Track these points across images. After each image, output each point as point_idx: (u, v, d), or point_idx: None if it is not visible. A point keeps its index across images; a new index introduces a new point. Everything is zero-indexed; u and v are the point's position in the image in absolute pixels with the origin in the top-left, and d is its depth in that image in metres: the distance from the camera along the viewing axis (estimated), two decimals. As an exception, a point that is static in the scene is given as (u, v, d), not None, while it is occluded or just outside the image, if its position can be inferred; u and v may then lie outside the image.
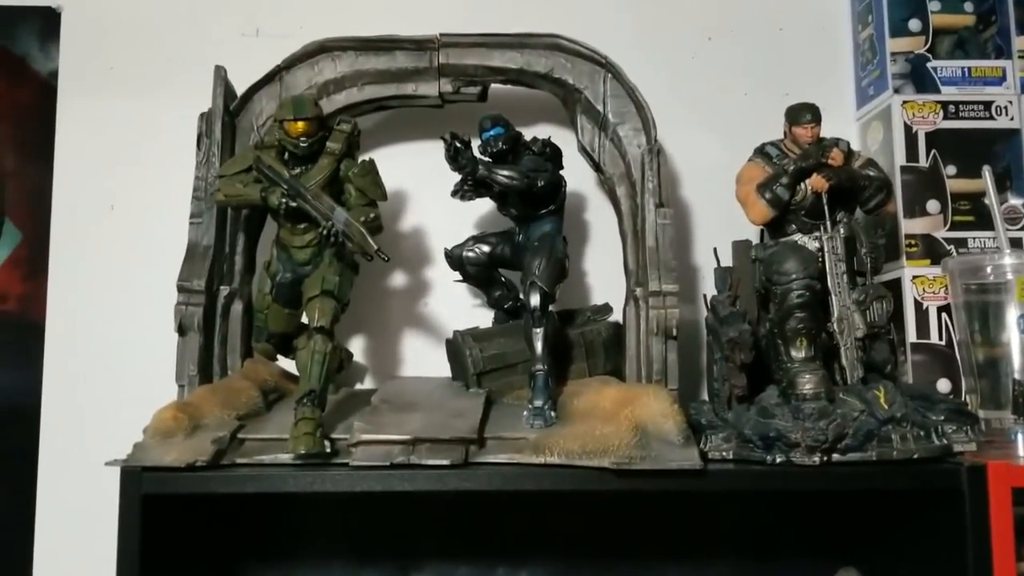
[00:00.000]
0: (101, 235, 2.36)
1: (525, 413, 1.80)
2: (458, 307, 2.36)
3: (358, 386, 2.30)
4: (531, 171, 2.03)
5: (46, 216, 2.36)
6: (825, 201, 1.88)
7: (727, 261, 1.98)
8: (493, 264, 2.21)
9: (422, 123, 2.30)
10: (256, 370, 2.03)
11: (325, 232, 1.85)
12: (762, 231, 2.07)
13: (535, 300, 1.97)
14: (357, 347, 2.35)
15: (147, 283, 2.25)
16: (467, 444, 1.67)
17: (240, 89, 2.12)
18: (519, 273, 2.05)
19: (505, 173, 2.00)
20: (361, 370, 2.43)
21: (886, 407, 1.69)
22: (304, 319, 1.90)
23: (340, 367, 1.97)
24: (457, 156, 1.96)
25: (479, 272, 2.21)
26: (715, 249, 2.03)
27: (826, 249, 1.86)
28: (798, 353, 1.78)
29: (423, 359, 2.31)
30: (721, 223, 2.19)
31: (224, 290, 2.04)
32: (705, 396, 2.13)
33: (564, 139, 2.15)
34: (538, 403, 1.81)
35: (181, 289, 1.96)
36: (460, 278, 2.25)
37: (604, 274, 2.40)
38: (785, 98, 2.07)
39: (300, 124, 1.86)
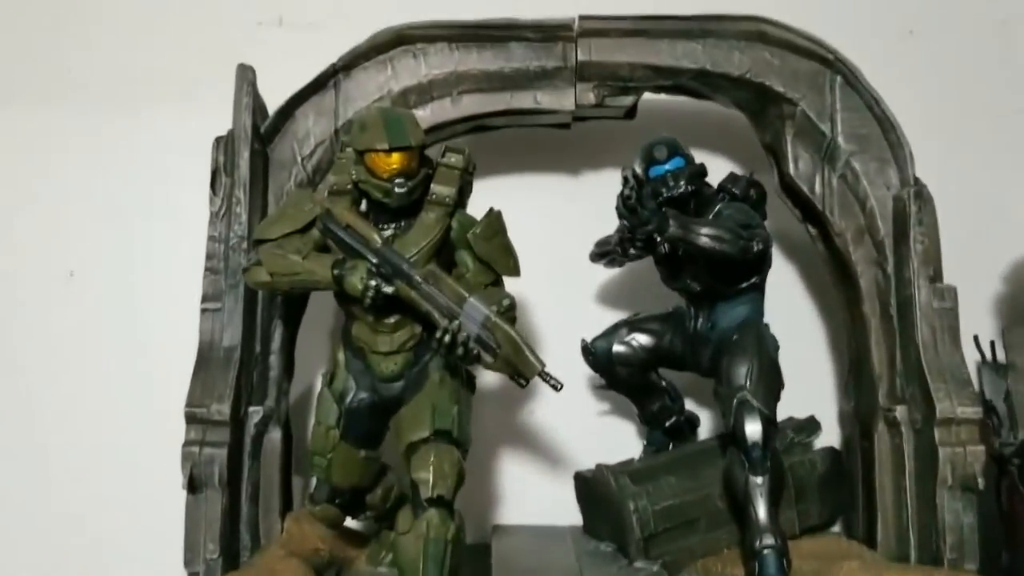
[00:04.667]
0: (55, 316, 1.89)
1: (757, 626, 1.34)
2: (577, 416, 1.87)
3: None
4: (743, 227, 1.48)
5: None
6: None
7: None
8: (655, 362, 1.69)
9: (520, 148, 1.88)
10: (302, 537, 1.55)
11: (448, 339, 1.23)
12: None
13: (753, 431, 1.45)
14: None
15: (124, 397, 1.82)
16: None
17: (268, 101, 1.66)
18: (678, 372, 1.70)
19: (708, 232, 1.45)
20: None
21: None
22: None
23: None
24: (640, 205, 1.41)
25: (633, 375, 1.69)
26: (976, 338, 1.65)
27: None
28: None
29: (529, 494, 1.85)
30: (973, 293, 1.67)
31: (255, 412, 1.55)
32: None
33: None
34: (779, 611, 1.35)
35: (192, 419, 1.45)
36: (604, 383, 1.73)
37: (794, 366, 1.77)
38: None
39: (396, 157, 1.32)
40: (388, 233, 1.33)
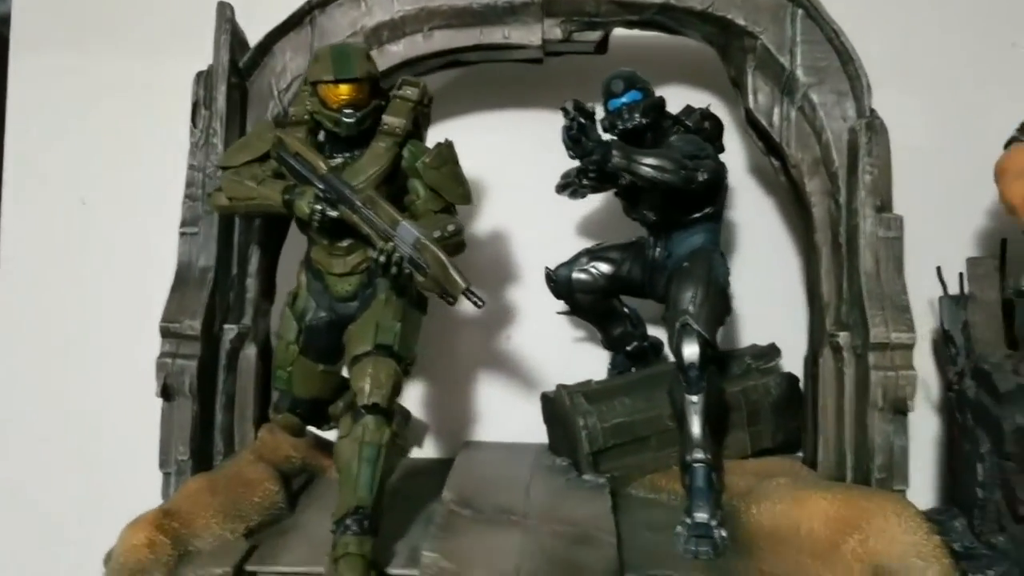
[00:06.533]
0: (67, 240, 1.96)
1: (679, 529, 1.40)
2: (553, 341, 1.92)
3: (415, 452, 1.91)
4: (689, 157, 1.50)
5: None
6: None
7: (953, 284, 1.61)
8: (614, 290, 1.73)
9: (500, 85, 1.88)
10: (275, 445, 1.63)
11: (383, 259, 1.31)
12: (1003, 247, 1.61)
13: (691, 352, 1.49)
14: (413, 399, 1.91)
15: (120, 313, 1.87)
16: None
17: (253, 37, 1.68)
18: (644, 300, 1.72)
19: (651, 162, 1.48)
20: (418, 428, 1.92)
21: None
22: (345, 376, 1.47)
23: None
24: (583, 137, 1.41)
25: (595, 302, 1.74)
26: (939, 269, 1.63)
27: None
28: None
29: (503, 414, 1.90)
30: (937, 231, 1.71)
31: (230, 330, 1.62)
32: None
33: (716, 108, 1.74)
34: (700, 516, 1.40)
35: (166, 334, 1.53)
36: (566, 309, 1.78)
37: (761, 297, 1.88)
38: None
39: (344, 88, 1.38)
40: (338, 161, 1.39)
